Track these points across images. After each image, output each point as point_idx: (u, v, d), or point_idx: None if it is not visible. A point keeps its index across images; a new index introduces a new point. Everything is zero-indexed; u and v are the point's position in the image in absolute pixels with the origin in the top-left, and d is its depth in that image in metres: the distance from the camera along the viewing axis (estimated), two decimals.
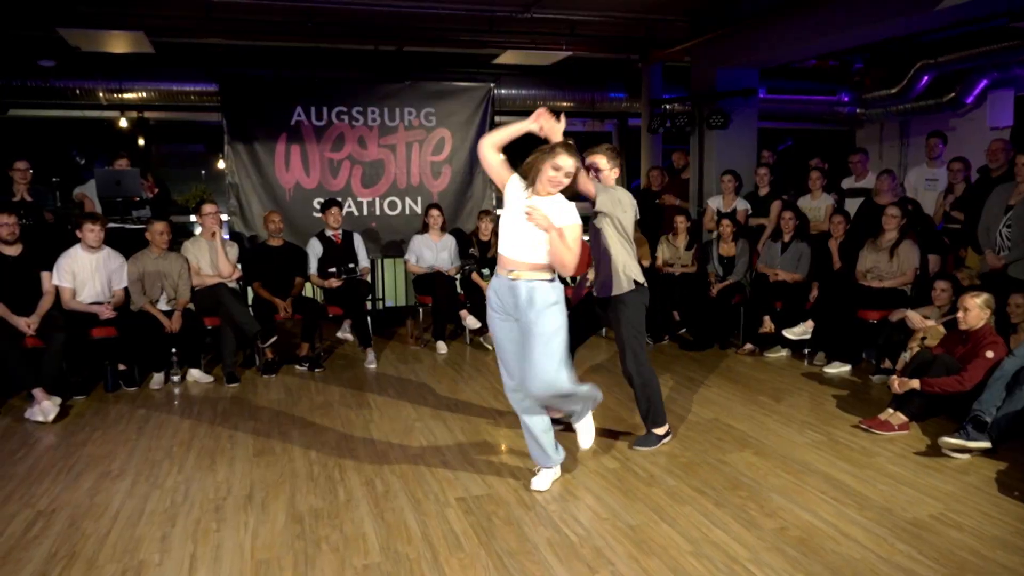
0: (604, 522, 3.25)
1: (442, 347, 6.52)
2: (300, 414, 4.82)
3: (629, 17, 7.65)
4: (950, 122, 9.58)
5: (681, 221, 6.90)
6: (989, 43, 8.12)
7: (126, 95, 8.14)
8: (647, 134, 8.78)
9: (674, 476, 3.74)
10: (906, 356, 4.71)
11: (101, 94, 8.05)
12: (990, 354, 4.17)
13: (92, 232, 5.35)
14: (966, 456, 3.94)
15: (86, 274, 5.37)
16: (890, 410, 4.40)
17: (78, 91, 7.98)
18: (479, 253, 6.92)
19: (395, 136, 7.91)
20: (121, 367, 5.42)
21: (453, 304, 6.55)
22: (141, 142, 8.73)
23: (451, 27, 7.78)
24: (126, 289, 5.50)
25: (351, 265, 6.43)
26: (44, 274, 5.26)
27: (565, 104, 9.46)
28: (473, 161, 8.15)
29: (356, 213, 7.82)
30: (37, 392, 4.75)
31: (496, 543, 3.07)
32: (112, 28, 6.57)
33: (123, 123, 8.50)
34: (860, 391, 5.23)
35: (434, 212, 6.85)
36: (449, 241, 6.93)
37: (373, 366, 6.02)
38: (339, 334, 6.52)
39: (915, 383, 4.27)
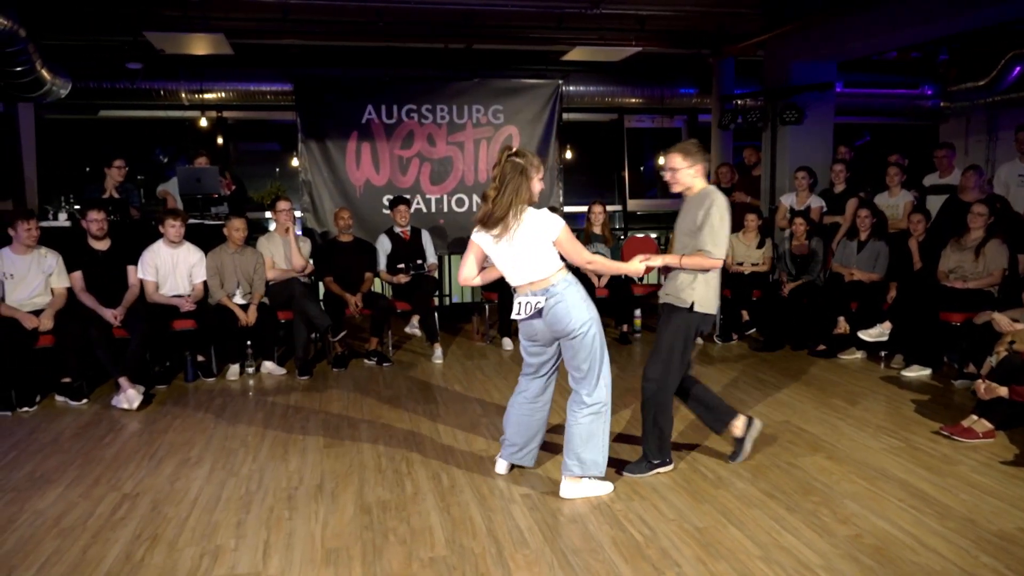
0: (670, 523, 3.20)
1: (507, 344, 6.55)
2: (369, 407, 4.92)
3: (700, 11, 7.50)
4: None
5: (752, 219, 6.74)
6: None
7: (206, 95, 8.44)
8: (717, 130, 8.62)
9: (743, 479, 3.66)
10: (992, 360, 4.49)
11: (183, 95, 8.37)
12: None
13: (174, 228, 5.57)
14: None
15: (168, 268, 5.60)
16: (974, 416, 4.20)
17: (162, 92, 8.33)
18: None
19: (463, 133, 7.98)
20: (200, 358, 5.64)
21: None
22: (220, 141, 9.04)
23: (519, 24, 7.79)
24: (205, 283, 5.71)
25: (419, 261, 6.52)
26: (130, 268, 5.51)
27: (634, 100, 9.37)
28: (540, 158, 8.13)
29: (424, 210, 7.92)
30: (122, 380, 4.97)
31: (561, 540, 3.06)
32: (194, 31, 6.82)
33: (203, 122, 8.81)
34: (941, 396, 5.02)
35: None
36: None
37: (440, 361, 6.09)
38: (407, 329, 6.60)
39: (1003, 390, 4.07)
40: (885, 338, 5.59)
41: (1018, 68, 8.76)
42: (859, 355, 6.00)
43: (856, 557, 2.90)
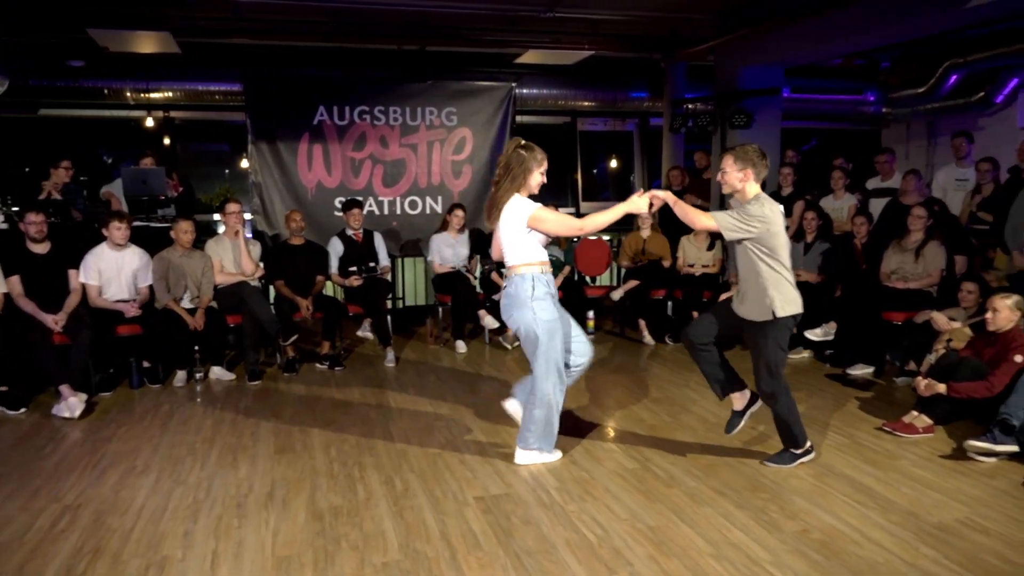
0: (623, 523, 3.23)
1: (461, 346, 6.54)
2: (321, 412, 4.85)
3: (652, 16, 7.59)
4: (979, 121, 9.41)
5: None
6: (1020, 41, 7.98)
7: (153, 95, 8.23)
8: (669, 134, 8.73)
9: (694, 477, 3.71)
10: (931, 358, 4.64)
11: (128, 94, 8.15)
12: (1019, 358, 4.09)
13: (118, 230, 5.42)
14: (993, 460, 3.87)
15: (112, 272, 5.45)
16: (915, 412, 4.34)
17: (106, 91, 8.08)
18: None
19: (416, 135, 7.94)
20: (146, 364, 5.50)
21: (472, 303, 6.56)
22: (167, 141, 8.83)
23: (473, 26, 7.78)
24: (151, 287, 5.57)
25: (371, 264, 6.47)
26: (71, 272, 5.34)
27: (587, 103, 9.43)
28: (494, 161, 8.15)
29: (377, 212, 7.86)
30: (64, 388, 4.82)
31: (514, 542, 3.07)
32: (140, 29, 6.64)
33: (149, 123, 8.60)
34: (884, 393, 5.16)
35: (459, 212, 6.86)
36: (467, 237, 6.96)
37: (393, 365, 6.05)
38: (359, 333, 6.55)
39: (941, 387, 4.21)
40: (831, 337, 5.73)
41: (954, 76, 9.07)
42: (806, 354, 6.13)
43: (803, 552, 2.97)
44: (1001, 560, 2.89)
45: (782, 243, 3.60)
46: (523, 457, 3.87)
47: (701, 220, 3.58)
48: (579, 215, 10.17)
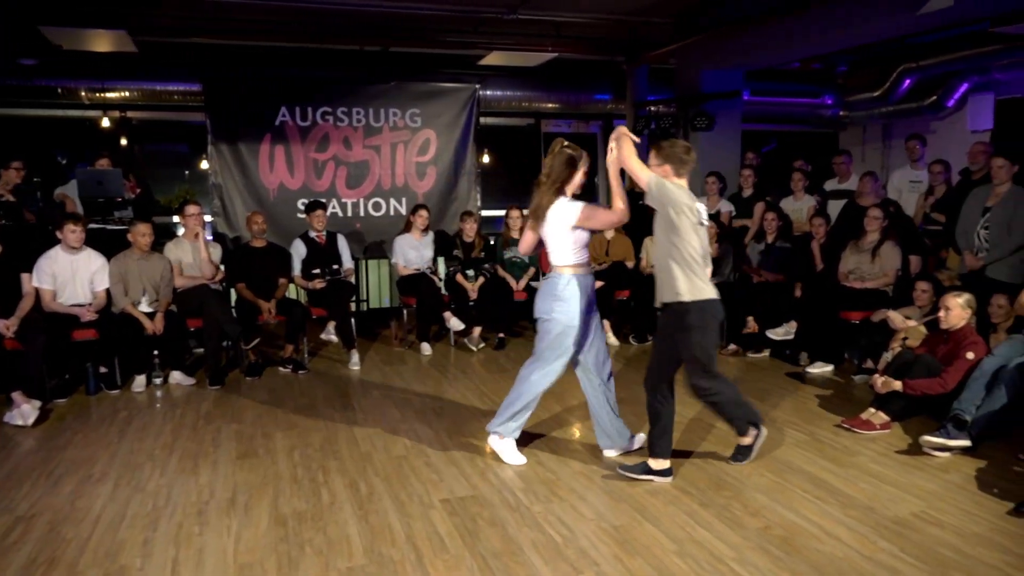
0: (589, 523, 3.25)
1: (426, 348, 6.51)
2: (284, 416, 4.80)
3: (615, 19, 7.66)
4: (931, 125, 9.67)
5: None
6: (970, 47, 8.22)
7: (108, 94, 8.05)
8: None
9: None
10: (888, 356, 4.75)
11: (83, 93, 7.96)
12: (970, 355, 4.21)
13: (73, 233, 5.30)
14: (947, 454, 3.97)
15: (67, 275, 5.32)
16: (872, 409, 4.43)
17: (60, 90, 7.89)
18: (463, 254, 6.91)
19: (380, 137, 7.90)
20: (102, 369, 5.38)
21: (437, 305, 6.54)
22: (124, 142, 8.65)
23: (437, 28, 7.77)
24: (108, 291, 5.45)
25: (335, 266, 6.41)
26: (24, 275, 5.20)
27: (550, 105, 9.46)
28: (458, 162, 8.15)
29: (340, 214, 7.80)
30: (16, 395, 4.70)
31: (481, 544, 3.06)
32: (95, 27, 6.50)
33: (105, 123, 8.42)
34: (842, 391, 5.27)
35: (422, 213, 6.83)
36: (430, 238, 6.94)
37: (357, 367, 6.00)
38: (323, 336, 6.47)
39: (897, 384, 4.31)
40: (791, 336, 5.83)
41: (908, 81, 9.30)
42: (767, 353, 6.23)
43: (766, 548, 3.01)
44: (955, 552, 2.97)
45: (693, 236, 3.56)
46: (491, 440, 3.99)
47: (635, 167, 3.58)
48: None
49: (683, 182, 3.63)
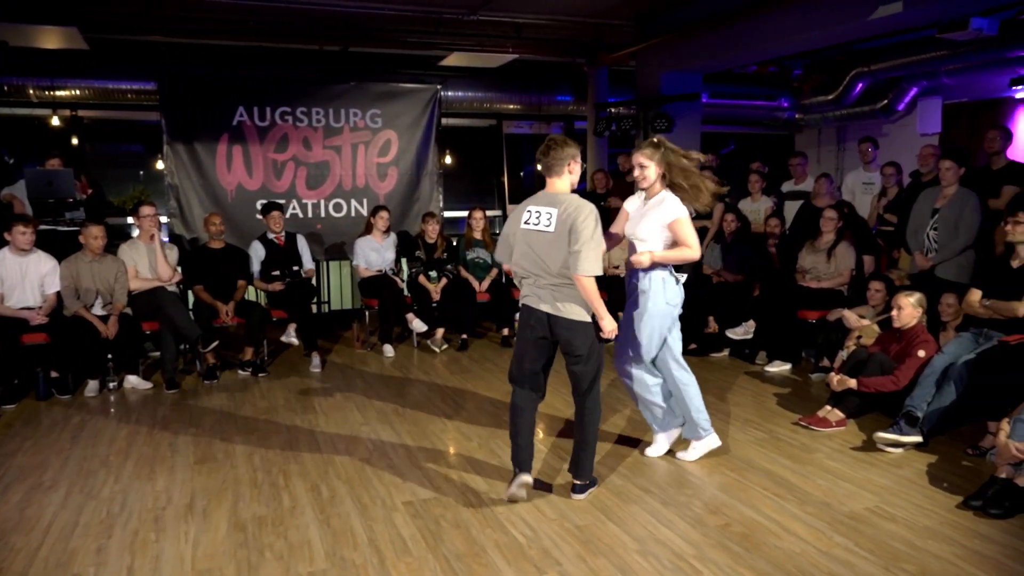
0: (551, 523, 3.26)
1: (389, 350, 6.47)
2: (243, 420, 4.72)
3: (575, 21, 7.70)
4: (883, 128, 9.92)
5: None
6: (918, 52, 8.45)
7: (58, 92, 7.83)
8: (593, 137, 8.86)
9: (621, 476, 3.78)
10: (843, 354, 4.85)
11: (31, 91, 7.72)
12: (922, 353, 4.33)
13: (22, 235, 5.15)
14: (899, 450, 4.08)
15: (15, 278, 5.17)
16: (828, 407, 4.53)
17: (6, 88, 7.65)
18: (425, 255, 6.88)
19: (340, 137, 7.83)
20: (54, 374, 5.23)
21: (400, 307, 6.51)
22: (75, 141, 8.43)
23: (397, 28, 7.72)
24: (58, 293, 5.31)
25: (295, 268, 6.33)
26: None
27: (512, 106, 9.47)
28: (420, 163, 8.11)
29: (301, 215, 7.71)
30: None
31: (444, 546, 3.05)
32: (43, 23, 6.32)
33: (55, 122, 8.19)
34: (800, 389, 5.37)
35: (383, 214, 6.79)
36: (392, 240, 6.90)
37: (318, 370, 5.94)
38: (283, 338, 6.38)
39: (852, 382, 4.40)
40: (750, 336, 5.92)
41: (860, 85, 9.52)
42: (726, 352, 6.32)
43: (726, 545, 3.06)
44: (907, 545, 3.05)
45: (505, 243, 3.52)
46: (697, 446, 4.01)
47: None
48: (505, 218, 10.25)
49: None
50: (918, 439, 4.06)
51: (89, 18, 6.63)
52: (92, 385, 5.31)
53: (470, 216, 7.09)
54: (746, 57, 7.69)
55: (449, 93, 8.78)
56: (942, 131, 9.15)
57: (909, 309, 4.47)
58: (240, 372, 5.84)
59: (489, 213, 7.80)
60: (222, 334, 5.89)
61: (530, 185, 11.00)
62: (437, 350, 6.54)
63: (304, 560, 2.95)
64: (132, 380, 5.45)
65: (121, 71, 7.99)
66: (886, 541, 3.08)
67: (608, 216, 7.75)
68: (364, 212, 7.79)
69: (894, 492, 3.56)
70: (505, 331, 6.87)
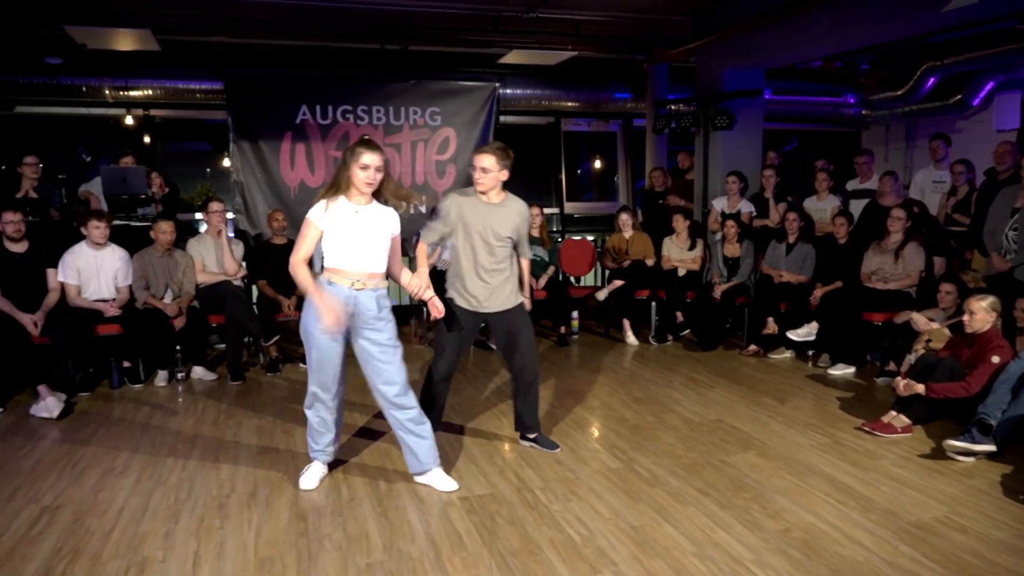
0: (607, 522, 3.24)
1: None
2: (303, 412, 4.81)
3: (634, 17, 7.63)
4: (956, 124, 9.55)
5: (678, 220, 6.91)
6: (996, 45, 8.10)
7: (132, 93, 8.14)
8: (652, 135, 8.77)
9: (677, 477, 3.73)
10: (911, 358, 4.70)
11: (107, 91, 8.05)
12: (996, 359, 4.15)
13: (98, 229, 5.36)
14: (971, 459, 3.93)
15: (91, 271, 5.39)
16: (893, 412, 4.39)
17: (84, 88, 7.99)
18: None
19: (400, 135, 7.93)
20: (126, 364, 5.45)
21: None
22: (147, 140, 8.74)
23: (456, 27, 7.77)
24: (131, 286, 5.52)
25: None
26: (49, 271, 5.28)
27: (570, 104, 9.44)
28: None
29: None
30: (42, 389, 4.77)
31: (499, 542, 3.07)
32: (119, 26, 6.57)
33: (129, 121, 8.51)
34: (864, 393, 5.22)
35: None
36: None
37: None
38: None
39: (920, 387, 4.26)
40: (812, 338, 5.78)
41: (932, 79, 9.18)
42: (788, 354, 6.18)
43: (785, 551, 2.99)
44: (978, 558, 2.93)
45: (460, 237, 3.99)
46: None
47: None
48: (563, 215, 10.23)
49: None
50: (992, 448, 3.90)
51: (160, 20, 6.86)
52: (162, 375, 5.51)
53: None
54: (809, 52, 7.49)
55: (507, 91, 8.81)
56: (1020, 127, 8.77)
57: (982, 314, 4.30)
58: (301, 365, 5.96)
59: (546, 211, 7.80)
60: (284, 328, 6.03)
61: (587, 182, 10.95)
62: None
63: (362, 551, 3.00)
64: (199, 371, 5.63)
65: (190, 72, 8.26)
66: (956, 553, 2.97)
67: (667, 214, 7.66)
68: (423, 209, 7.87)
69: (964, 503, 3.43)
70: (562, 329, 6.86)
